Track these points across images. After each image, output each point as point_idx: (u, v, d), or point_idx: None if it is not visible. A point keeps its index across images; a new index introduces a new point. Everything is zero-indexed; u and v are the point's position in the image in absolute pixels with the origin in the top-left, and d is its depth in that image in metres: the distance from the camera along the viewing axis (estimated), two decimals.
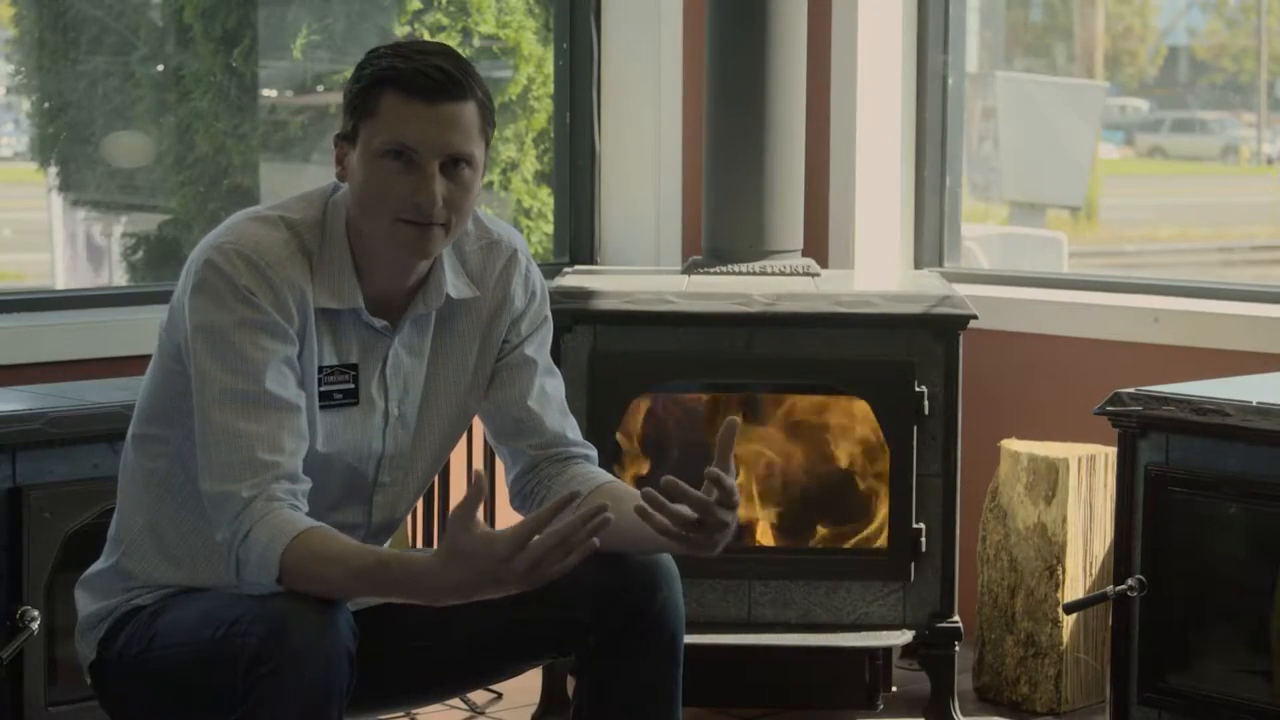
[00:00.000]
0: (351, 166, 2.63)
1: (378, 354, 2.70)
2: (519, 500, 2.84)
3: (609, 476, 2.77)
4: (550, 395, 2.82)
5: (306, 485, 2.59)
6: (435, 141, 2.58)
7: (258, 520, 2.51)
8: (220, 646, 2.49)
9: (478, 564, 2.40)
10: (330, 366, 2.66)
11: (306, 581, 2.48)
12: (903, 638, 4.01)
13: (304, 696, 2.43)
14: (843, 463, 4.14)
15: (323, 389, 2.65)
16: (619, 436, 4.04)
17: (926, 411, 3.97)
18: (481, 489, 2.40)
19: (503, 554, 2.40)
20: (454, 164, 2.60)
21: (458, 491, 4.27)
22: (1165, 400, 3.60)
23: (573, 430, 2.83)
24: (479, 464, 4.26)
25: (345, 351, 2.68)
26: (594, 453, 2.84)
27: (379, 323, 2.68)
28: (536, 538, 2.40)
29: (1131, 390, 3.65)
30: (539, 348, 2.83)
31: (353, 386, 2.68)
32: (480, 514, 2.43)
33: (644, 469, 4.10)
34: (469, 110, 2.61)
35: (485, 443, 4.22)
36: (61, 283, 4.97)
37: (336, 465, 2.68)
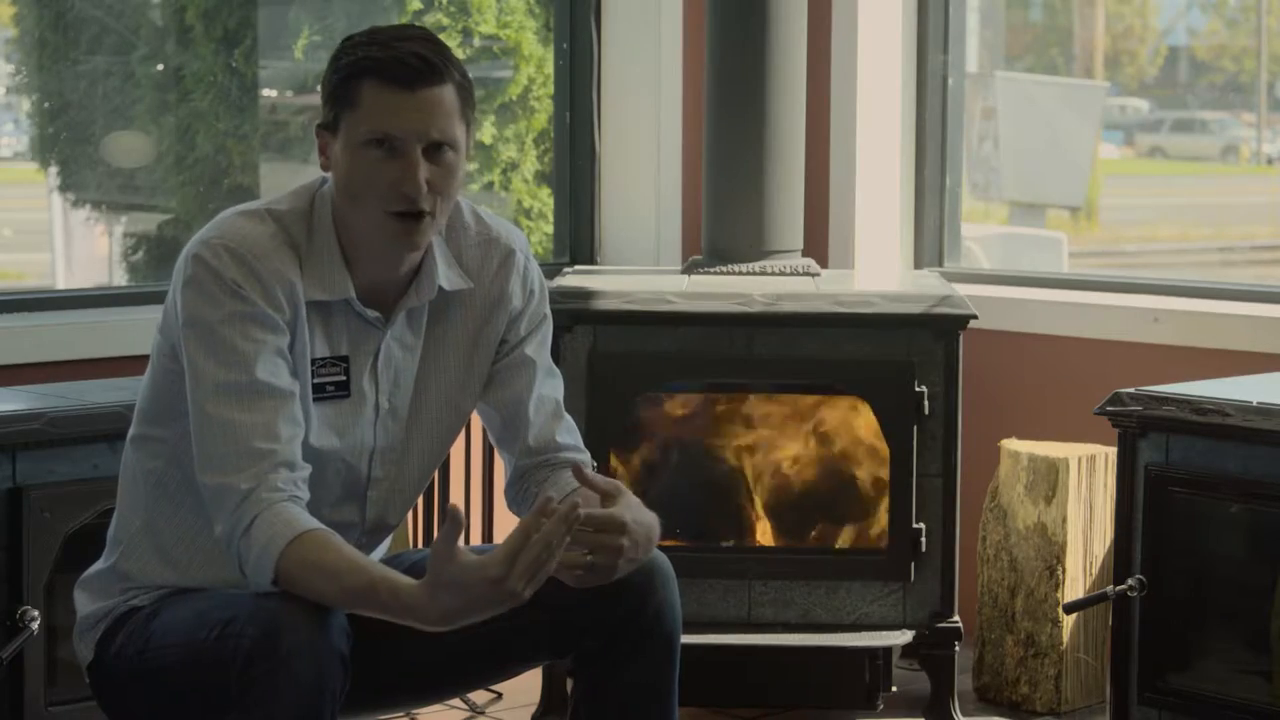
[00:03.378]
0: (335, 156, 2.64)
1: (370, 346, 2.70)
2: (514, 505, 2.84)
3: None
4: (546, 399, 2.81)
5: (306, 471, 2.59)
6: (417, 128, 2.59)
7: (258, 515, 2.51)
8: (214, 647, 2.49)
9: (473, 591, 2.41)
10: (322, 359, 2.66)
11: (302, 589, 2.48)
12: (903, 638, 4.01)
13: (297, 697, 2.43)
14: (842, 463, 4.14)
15: (315, 381, 2.66)
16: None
17: (926, 411, 3.97)
18: (458, 522, 2.42)
19: (497, 574, 2.41)
20: (436, 148, 2.61)
21: (459, 492, 4.27)
22: (1165, 400, 3.60)
23: (567, 434, 2.82)
24: (477, 465, 4.26)
25: (337, 344, 2.68)
26: (586, 456, 2.83)
27: (371, 314, 2.68)
28: (523, 553, 2.41)
29: (1131, 390, 3.65)
30: (538, 348, 2.82)
31: (344, 379, 2.68)
32: (461, 541, 2.44)
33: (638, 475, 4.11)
34: (448, 93, 2.62)
35: (484, 445, 4.25)
36: (61, 283, 4.97)
37: (330, 460, 2.68)
